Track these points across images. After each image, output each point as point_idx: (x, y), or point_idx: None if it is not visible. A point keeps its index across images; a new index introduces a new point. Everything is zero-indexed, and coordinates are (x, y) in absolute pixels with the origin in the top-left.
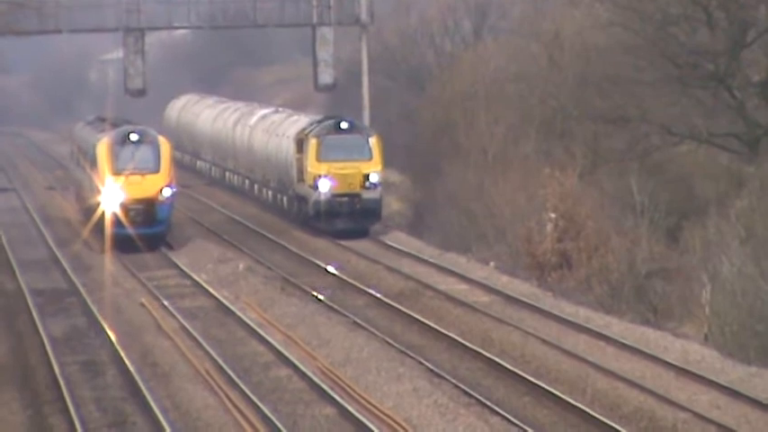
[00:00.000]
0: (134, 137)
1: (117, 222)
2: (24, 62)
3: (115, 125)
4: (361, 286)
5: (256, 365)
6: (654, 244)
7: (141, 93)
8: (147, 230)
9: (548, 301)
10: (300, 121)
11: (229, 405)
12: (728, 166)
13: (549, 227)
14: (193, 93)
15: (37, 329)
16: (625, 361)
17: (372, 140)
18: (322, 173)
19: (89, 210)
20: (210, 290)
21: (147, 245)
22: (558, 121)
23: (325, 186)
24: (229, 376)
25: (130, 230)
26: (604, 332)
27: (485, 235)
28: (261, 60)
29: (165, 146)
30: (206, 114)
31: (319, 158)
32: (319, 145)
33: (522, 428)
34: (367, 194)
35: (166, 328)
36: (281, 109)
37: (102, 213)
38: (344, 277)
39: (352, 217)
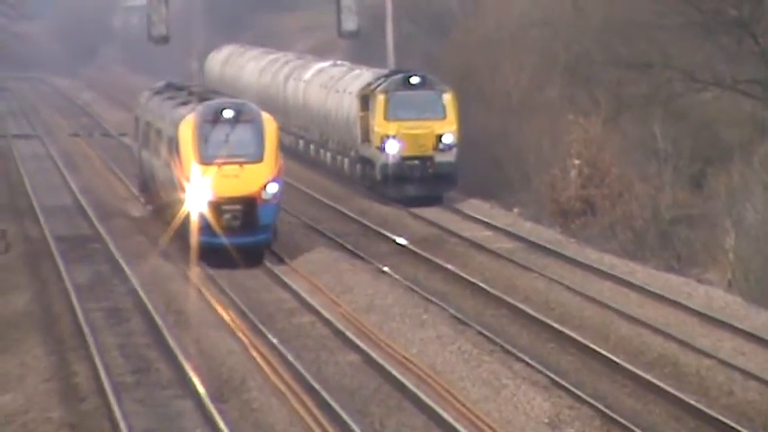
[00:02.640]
0: (228, 113)
1: (205, 228)
2: (47, 9)
3: (200, 96)
4: (385, 232)
5: (280, 312)
6: (677, 190)
7: (165, 40)
8: (247, 239)
9: (571, 248)
10: (364, 75)
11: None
12: (752, 113)
13: (573, 173)
14: (234, 43)
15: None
16: (649, 308)
17: (446, 97)
18: (390, 133)
19: (164, 209)
20: None
21: (245, 258)
22: (581, 67)
23: (393, 148)
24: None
25: (224, 239)
26: (628, 279)
27: (509, 181)
28: (283, 7)
29: (269, 126)
30: (251, 67)
31: (387, 117)
32: (387, 102)
33: (545, 375)
34: (441, 157)
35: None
36: (339, 62)
37: (186, 216)
38: (367, 223)
39: (423, 182)
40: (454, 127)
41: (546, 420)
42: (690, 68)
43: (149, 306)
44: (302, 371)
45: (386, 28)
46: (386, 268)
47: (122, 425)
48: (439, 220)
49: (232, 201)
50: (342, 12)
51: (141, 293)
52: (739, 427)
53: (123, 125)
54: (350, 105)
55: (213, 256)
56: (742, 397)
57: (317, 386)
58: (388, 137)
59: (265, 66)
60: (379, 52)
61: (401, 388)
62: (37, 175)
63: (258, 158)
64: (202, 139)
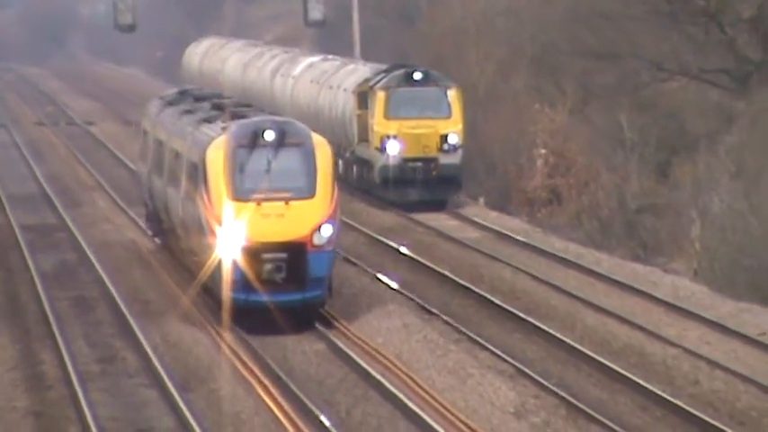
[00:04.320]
0: (270, 135)
1: (240, 282)
2: None
3: (230, 110)
4: (352, 222)
5: None
6: (643, 180)
7: (131, 28)
8: (293, 297)
9: (537, 237)
10: (360, 70)
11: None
12: (719, 102)
13: (540, 163)
14: (209, 34)
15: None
16: (615, 297)
17: (451, 94)
18: (391, 133)
19: (188, 255)
20: None
21: (291, 319)
22: (548, 57)
23: (394, 149)
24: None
25: (264, 296)
26: (594, 268)
27: (475, 171)
28: None
29: (322, 151)
30: (234, 61)
31: (388, 115)
32: (388, 99)
33: (511, 364)
34: (445, 159)
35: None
36: (330, 56)
37: (218, 265)
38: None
39: (426, 186)
40: (460, 126)
41: (511, 410)
42: (656, 58)
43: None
44: (270, 361)
45: (352, 17)
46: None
47: (87, 413)
48: (405, 210)
49: (275, 248)
50: (308, 1)
51: (110, 287)
52: (705, 417)
53: (89, 114)
54: (345, 103)
55: (250, 317)
56: (707, 386)
57: (283, 375)
58: (388, 137)
59: (250, 60)
60: (346, 42)
61: (367, 377)
62: (2, 163)
63: (309, 193)
64: (237, 169)
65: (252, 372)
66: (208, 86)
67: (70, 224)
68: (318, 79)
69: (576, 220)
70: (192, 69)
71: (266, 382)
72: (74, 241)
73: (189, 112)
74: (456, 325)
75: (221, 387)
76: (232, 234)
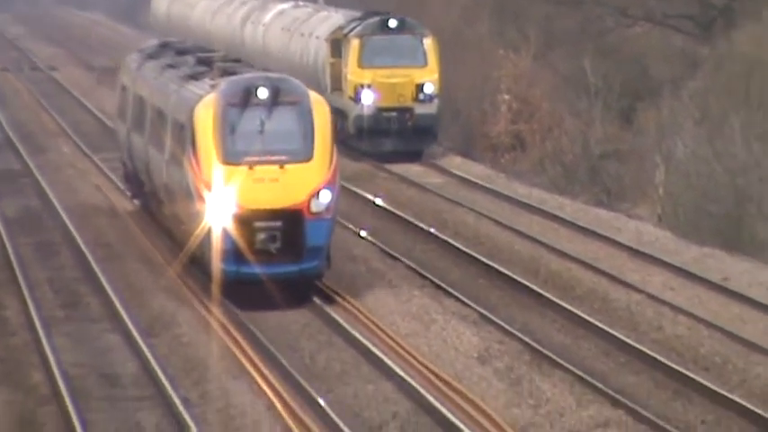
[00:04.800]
0: (264, 93)
1: (231, 252)
2: None
3: (218, 66)
4: None
5: None
6: (607, 125)
7: None
8: (289, 268)
9: (501, 183)
10: (333, 17)
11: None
12: (683, 48)
13: (503, 108)
14: None
15: None
16: (578, 242)
17: (427, 42)
18: (366, 82)
19: (172, 221)
20: None
21: (286, 292)
22: (511, 2)
23: (369, 98)
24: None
25: (257, 268)
26: (558, 213)
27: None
28: None
29: (320, 110)
30: (203, 7)
31: (362, 64)
32: (362, 47)
33: (475, 309)
34: (421, 109)
35: None
36: (301, 3)
37: (207, 234)
38: None
39: (402, 136)
40: (436, 75)
41: (475, 355)
42: (621, 4)
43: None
44: (233, 307)
45: None
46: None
47: (51, 358)
48: (379, 161)
49: (269, 215)
50: None
51: (74, 232)
52: (668, 362)
53: (52, 59)
54: (317, 51)
55: (241, 290)
56: (671, 332)
57: (246, 321)
58: (362, 86)
59: (219, 6)
60: None
61: (330, 323)
62: None
63: (306, 156)
64: (227, 130)
65: (215, 317)
66: (175, 33)
67: (34, 170)
68: (290, 27)
69: (540, 166)
70: (160, 15)
71: (230, 327)
72: (38, 187)
73: (172, 66)
74: (420, 271)
75: (185, 333)
76: (222, 200)
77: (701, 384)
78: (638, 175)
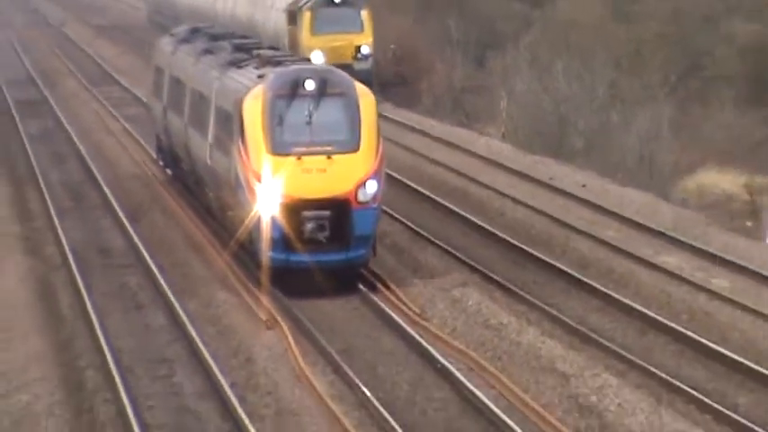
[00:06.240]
0: (311, 85)
1: (281, 241)
2: None
3: (264, 57)
4: None
5: None
6: (466, 68)
7: None
8: (336, 257)
9: (388, 108)
10: None
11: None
12: (521, 10)
13: (390, 55)
14: None
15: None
16: (446, 153)
17: (364, 13)
18: (316, 45)
19: (216, 204)
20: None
21: (333, 279)
22: None
23: (318, 58)
24: None
25: (305, 256)
26: (430, 132)
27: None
28: None
29: (366, 101)
30: None
31: (313, 31)
32: (313, 18)
33: None
34: (358, 65)
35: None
36: None
37: (256, 223)
38: None
39: None
40: (370, 39)
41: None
42: None
43: (83, 152)
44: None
45: None
46: None
47: (63, 237)
48: None
49: (317, 205)
50: None
51: (79, 145)
52: (510, 239)
53: (62, 19)
54: (277, 20)
55: (289, 278)
56: (511, 216)
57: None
58: (313, 49)
59: None
60: None
61: None
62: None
63: (353, 147)
64: (276, 121)
65: (181, 206)
66: (163, 5)
67: (49, 99)
68: (253, 0)
69: (417, 98)
70: None
71: (190, 213)
72: (52, 111)
73: (209, 51)
74: None
75: (158, 219)
76: (271, 190)
77: (534, 255)
78: (488, 104)
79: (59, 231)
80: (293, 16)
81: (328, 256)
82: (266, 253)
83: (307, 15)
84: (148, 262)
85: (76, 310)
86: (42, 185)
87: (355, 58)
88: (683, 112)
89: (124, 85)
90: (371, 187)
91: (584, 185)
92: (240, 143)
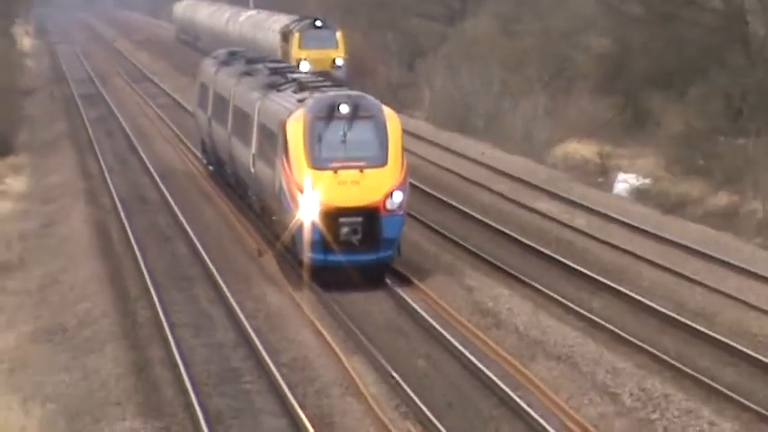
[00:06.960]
0: (345, 109)
1: (320, 244)
2: None
3: (298, 81)
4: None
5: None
6: (401, 71)
7: None
8: (367, 257)
9: None
10: (281, 19)
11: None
12: (440, 30)
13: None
14: None
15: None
16: None
17: (338, 34)
18: (303, 57)
19: (258, 206)
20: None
21: (363, 277)
22: (353, 5)
23: (305, 67)
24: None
25: (340, 256)
26: None
27: None
28: None
29: (393, 122)
30: (203, 12)
31: (301, 47)
32: (301, 37)
33: None
34: (335, 73)
35: None
36: (259, 11)
37: (299, 228)
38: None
39: None
40: (343, 54)
41: None
42: (406, 6)
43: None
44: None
45: None
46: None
47: (113, 189)
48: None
49: (351, 212)
50: None
51: (124, 125)
52: (427, 189)
53: (111, 35)
54: (273, 38)
55: (326, 275)
56: (444, 181)
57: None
58: (301, 59)
59: (212, 12)
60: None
61: None
62: (69, 61)
63: (381, 162)
64: (315, 140)
65: (197, 170)
66: (186, 26)
67: (104, 93)
68: (256, 24)
69: (367, 91)
70: (177, 15)
71: (204, 174)
72: (105, 102)
73: (248, 74)
74: None
75: (184, 179)
76: (312, 200)
77: (446, 201)
78: (416, 96)
79: (110, 186)
80: (286, 36)
81: (361, 257)
82: (307, 254)
83: (296, 35)
84: (174, 207)
85: (123, 242)
86: (98, 154)
87: (332, 67)
88: (553, 100)
89: (157, 83)
90: (398, 197)
91: (483, 153)
92: (284, 158)
